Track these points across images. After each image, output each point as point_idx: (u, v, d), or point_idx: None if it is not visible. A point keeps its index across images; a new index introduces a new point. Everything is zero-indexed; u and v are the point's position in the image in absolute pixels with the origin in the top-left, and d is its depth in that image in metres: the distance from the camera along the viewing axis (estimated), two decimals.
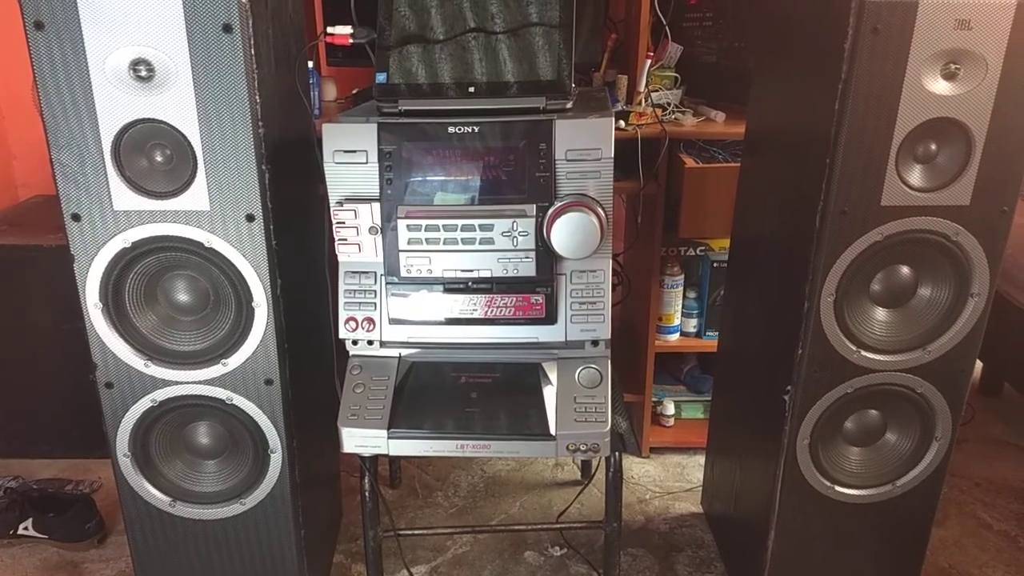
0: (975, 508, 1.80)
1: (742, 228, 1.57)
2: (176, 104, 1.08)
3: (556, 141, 1.07)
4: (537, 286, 1.10)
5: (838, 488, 1.31)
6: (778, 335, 1.34)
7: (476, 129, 1.08)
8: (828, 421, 1.27)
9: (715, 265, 1.88)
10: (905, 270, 1.20)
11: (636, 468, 1.95)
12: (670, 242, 1.87)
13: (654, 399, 2.00)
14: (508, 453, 1.11)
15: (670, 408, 2.05)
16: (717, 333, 1.89)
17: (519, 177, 1.08)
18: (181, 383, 1.22)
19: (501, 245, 1.08)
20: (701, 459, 1.95)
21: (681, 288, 1.90)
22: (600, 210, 1.07)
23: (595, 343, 1.13)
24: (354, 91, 1.86)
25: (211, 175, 1.11)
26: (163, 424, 1.26)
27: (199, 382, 1.22)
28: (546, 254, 1.10)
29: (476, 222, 1.09)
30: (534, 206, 1.08)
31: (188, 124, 1.09)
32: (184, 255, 1.16)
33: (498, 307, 1.12)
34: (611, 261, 1.12)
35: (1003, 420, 2.15)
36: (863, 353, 1.22)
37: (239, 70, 1.07)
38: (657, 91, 1.82)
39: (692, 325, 1.95)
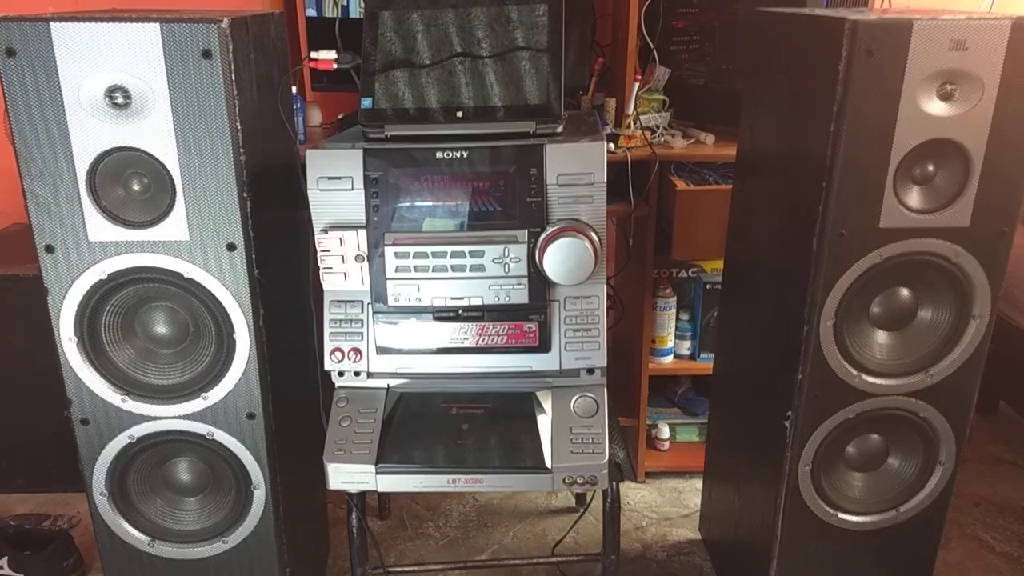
0: (976, 529, 1.77)
1: (736, 250, 1.55)
2: (154, 131, 1.05)
3: (547, 166, 1.04)
4: (530, 313, 1.07)
5: (841, 515, 1.28)
6: (776, 359, 1.32)
7: (465, 154, 1.05)
8: (830, 447, 1.24)
9: (708, 287, 1.86)
10: (905, 292, 1.18)
11: (632, 493, 1.91)
12: (662, 264, 1.85)
13: (648, 422, 1.97)
14: (501, 488, 1.07)
15: (665, 431, 2.01)
16: (713, 355, 1.88)
17: (510, 202, 1.05)
18: (160, 418, 1.18)
19: (492, 272, 1.05)
20: (697, 483, 1.91)
21: (674, 310, 1.87)
22: (593, 235, 1.04)
23: (590, 371, 1.10)
24: (339, 116, 1.83)
25: (190, 204, 1.08)
26: (141, 461, 1.21)
27: (179, 417, 1.18)
28: (539, 281, 1.07)
29: (466, 248, 1.05)
30: (526, 231, 1.05)
31: (166, 152, 1.06)
32: (163, 286, 1.12)
33: (490, 335, 1.08)
34: (605, 286, 1.09)
35: (1000, 439, 2.13)
36: (864, 377, 1.19)
37: (219, 96, 1.04)
38: (646, 114, 1.80)
39: (686, 347, 1.92)
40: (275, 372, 1.19)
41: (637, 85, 1.76)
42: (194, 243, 1.10)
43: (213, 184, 1.08)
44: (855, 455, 1.27)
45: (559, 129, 1.10)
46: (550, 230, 1.04)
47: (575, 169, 1.04)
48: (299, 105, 1.69)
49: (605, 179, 1.04)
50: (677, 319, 1.89)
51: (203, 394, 1.17)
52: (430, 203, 1.07)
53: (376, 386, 1.16)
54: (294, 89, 1.62)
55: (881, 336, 1.20)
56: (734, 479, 1.55)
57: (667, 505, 1.87)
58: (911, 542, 1.31)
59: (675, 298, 1.87)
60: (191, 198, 1.08)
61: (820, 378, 1.19)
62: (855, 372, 1.19)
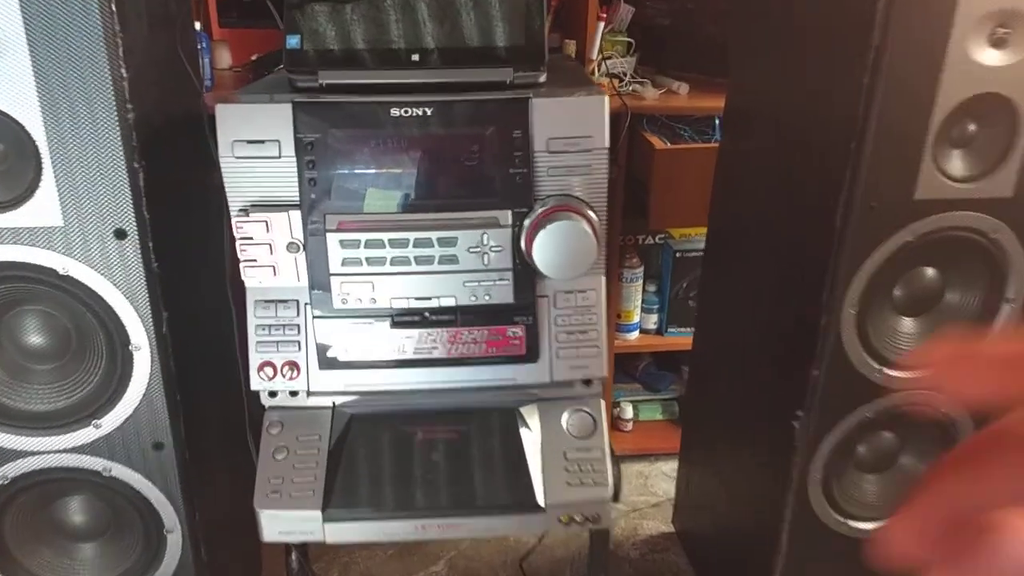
0: None
1: (722, 218, 1.37)
2: (7, 83, 0.77)
3: (535, 126, 0.82)
4: (514, 315, 0.86)
5: (851, 523, 1.14)
6: (778, 347, 1.15)
7: (429, 111, 0.81)
8: (842, 449, 1.09)
9: (678, 255, 1.68)
10: (930, 272, 1.03)
11: None
12: (627, 230, 1.66)
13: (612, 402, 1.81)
14: (484, 533, 0.87)
15: (628, 411, 1.85)
16: (682, 329, 1.72)
17: (488, 175, 0.83)
18: (41, 453, 0.92)
19: (467, 264, 0.83)
20: (664, 466, 1.77)
21: (641, 281, 1.70)
22: (592, 214, 0.83)
23: (587, 382, 0.90)
24: (253, 57, 1.54)
25: (63, 178, 0.82)
26: (20, 505, 0.96)
27: (65, 451, 0.92)
28: (525, 274, 0.85)
29: (434, 235, 0.83)
30: (509, 212, 0.83)
31: (26, 109, 0.79)
32: (32, 286, 0.86)
33: (464, 343, 0.87)
34: (604, 278, 0.89)
35: None
36: (886, 371, 1.04)
37: (95, 34, 0.78)
38: (610, 59, 1.59)
39: (652, 321, 1.75)
40: (187, 391, 0.94)
41: (601, 25, 1.54)
42: (70, 229, 0.84)
43: (92, 151, 0.82)
44: (866, 455, 1.13)
45: (542, 79, 0.88)
46: (540, 210, 0.82)
47: (570, 131, 0.82)
48: (204, 44, 1.39)
49: (607, 143, 0.83)
50: (643, 291, 1.72)
51: (94, 421, 0.92)
52: (385, 175, 0.83)
53: (319, 405, 0.93)
54: (197, 25, 1.32)
55: (906, 324, 1.05)
56: (717, 470, 1.40)
57: (635, 493, 1.73)
58: None
59: (642, 268, 1.69)
60: (63, 170, 0.81)
61: (838, 374, 1.03)
62: (876, 366, 1.03)
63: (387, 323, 0.87)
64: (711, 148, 1.38)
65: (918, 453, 1.13)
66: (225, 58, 1.55)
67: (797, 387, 1.07)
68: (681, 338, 1.71)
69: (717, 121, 1.51)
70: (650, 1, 1.73)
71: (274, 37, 1.34)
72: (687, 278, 1.69)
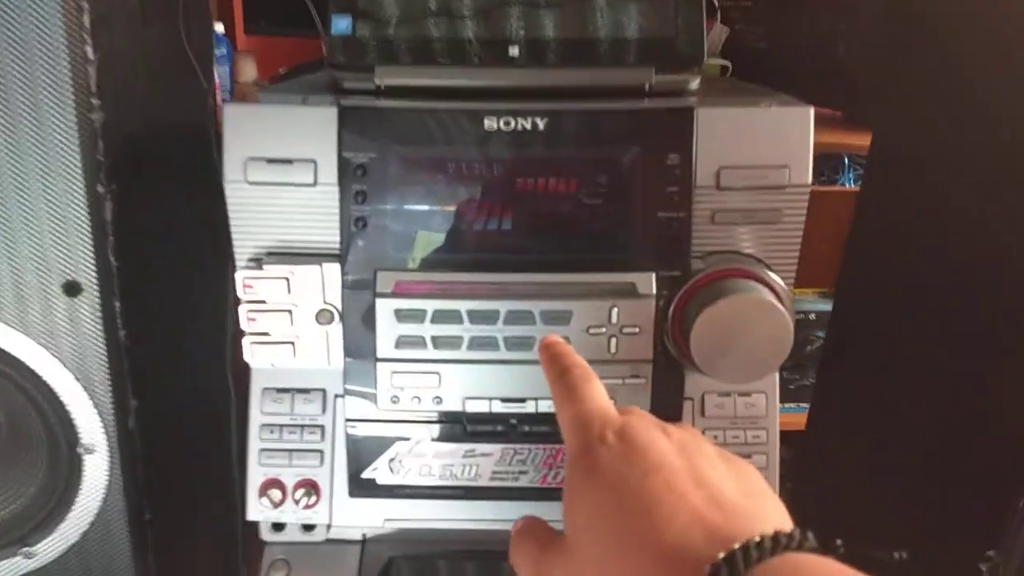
0: None
1: (858, 281, 1.08)
2: None
3: (700, 149, 0.54)
4: None
5: None
6: (956, 461, 0.85)
7: (540, 123, 0.54)
8: None
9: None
10: None
11: None
12: None
13: None
14: None
15: None
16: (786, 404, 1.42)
17: (622, 220, 0.55)
18: None
19: (583, 352, 0.53)
20: None
21: None
22: (780, 283, 0.55)
23: None
24: (281, 71, 1.29)
25: None
26: None
27: None
28: (670, 369, 0.57)
29: (536, 307, 0.55)
30: (651, 276, 0.55)
31: None
32: None
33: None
34: (777, 376, 0.60)
35: None
36: None
37: (52, 7, 0.52)
38: None
39: None
40: (162, 509, 0.66)
41: None
42: (2, 282, 0.57)
43: (36, 165, 0.55)
44: None
45: (694, 84, 0.60)
46: (705, 271, 0.54)
47: (754, 157, 0.54)
48: (225, 51, 1.14)
49: (810, 180, 0.55)
50: None
51: (24, 548, 0.64)
52: (467, 217, 0.56)
53: (342, 538, 0.65)
54: (220, 28, 1.08)
55: None
56: None
57: None
58: None
59: None
60: None
61: None
62: None
63: (455, 432, 0.59)
64: (846, 192, 1.11)
65: None
66: (249, 71, 1.30)
67: (987, 519, 0.78)
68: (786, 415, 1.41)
69: (846, 160, 1.24)
70: (742, 23, 1.49)
71: (310, 49, 1.10)
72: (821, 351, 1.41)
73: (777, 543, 0.29)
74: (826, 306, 1.27)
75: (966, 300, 0.84)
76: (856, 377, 1.10)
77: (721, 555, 0.28)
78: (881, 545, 0.86)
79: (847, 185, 1.25)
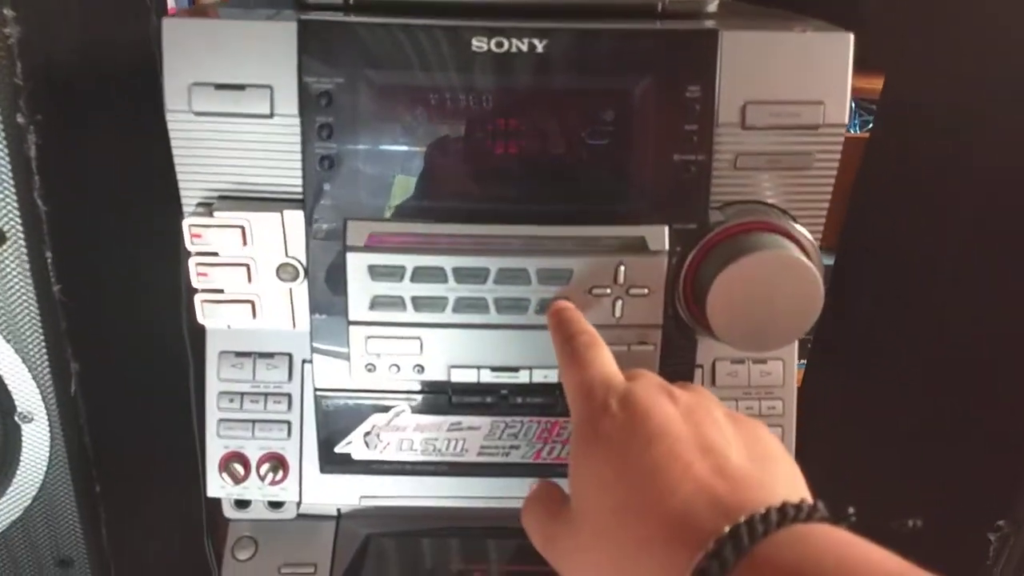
0: None
1: (864, 232, 1.02)
2: None
3: (723, 81, 0.46)
4: None
5: None
6: (966, 426, 0.81)
7: (539, 45, 0.46)
8: None
9: None
10: None
11: None
12: None
13: None
14: None
15: None
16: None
17: (632, 162, 0.48)
18: None
19: (586, 317, 0.47)
20: None
21: None
22: (809, 237, 0.48)
23: None
24: None
25: None
26: None
27: None
28: (682, 335, 0.50)
29: (532, 264, 0.48)
30: (664, 229, 0.48)
31: None
32: None
33: (564, 443, 0.52)
34: (796, 343, 0.54)
35: None
36: None
37: None
38: None
39: None
40: (114, 482, 0.59)
41: None
42: None
43: None
44: None
45: (712, 6, 0.52)
46: (724, 225, 0.47)
47: (785, 91, 0.47)
48: None
49: (847, 119, 0.48)
50: None
51: None
52: (453, 156, 0.48)
53: (315, 514, 0.59)
54: None
55: None
56: None
57: None
58: None
59: None
60: None
61: None
62: None
63: (440, 403, 0.52)
64: (848, 139, 1.03)
65: None
66: None
67: (1000, 491, 0.74)
68: None
69: (853, 104, 1.16)
70: None
71: None
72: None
73: (784, 515, 0.27)
74: (827, 261, 1.21)
75: (980, 255, 0.78)
76: (859, 336, 1.05)
77: (726, 529, 0.27)
78: (886, 516, 0.82)
79: (853, 131, 1.18)
